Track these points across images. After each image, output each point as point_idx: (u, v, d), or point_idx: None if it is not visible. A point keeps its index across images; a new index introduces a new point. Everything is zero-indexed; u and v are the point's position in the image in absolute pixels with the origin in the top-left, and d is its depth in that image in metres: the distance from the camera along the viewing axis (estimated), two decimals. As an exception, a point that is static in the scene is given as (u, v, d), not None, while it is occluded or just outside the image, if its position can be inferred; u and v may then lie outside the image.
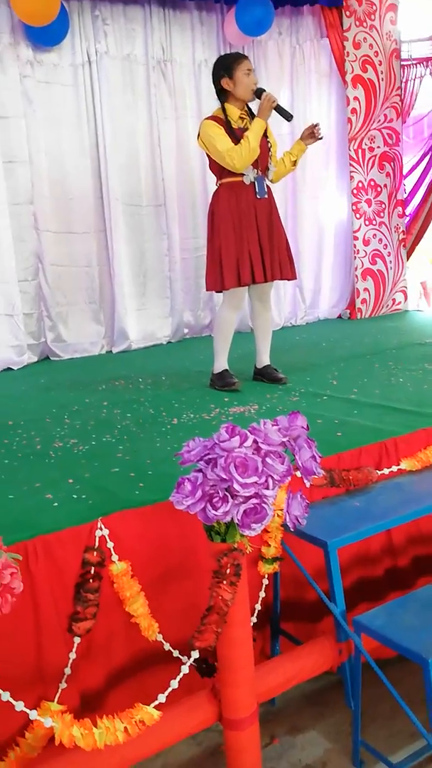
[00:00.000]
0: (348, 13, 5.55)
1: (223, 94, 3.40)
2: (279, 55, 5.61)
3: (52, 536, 1.85)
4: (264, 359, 3.70)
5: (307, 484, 1.70)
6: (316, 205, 5.86)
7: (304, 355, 4.37)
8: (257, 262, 3.38)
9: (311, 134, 3.50)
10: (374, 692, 2.06)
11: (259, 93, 3.37)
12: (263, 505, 1.62)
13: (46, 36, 4.61)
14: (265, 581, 2.13)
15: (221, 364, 3.59)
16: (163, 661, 1.98)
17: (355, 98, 5.67)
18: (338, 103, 5.82)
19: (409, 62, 5.90)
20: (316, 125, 3.52)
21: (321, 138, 3.55)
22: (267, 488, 1.62)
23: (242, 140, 3.28)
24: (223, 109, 3.38)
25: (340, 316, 6.00)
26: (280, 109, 3.38)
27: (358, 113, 5.69)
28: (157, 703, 1.67)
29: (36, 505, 2.09)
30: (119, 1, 4.93)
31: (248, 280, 3.38)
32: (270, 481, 1.63)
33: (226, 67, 3.36)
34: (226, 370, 3.58)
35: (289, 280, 3.62)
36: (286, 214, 5.70)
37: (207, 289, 3.62)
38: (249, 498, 1.61)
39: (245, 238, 3.37)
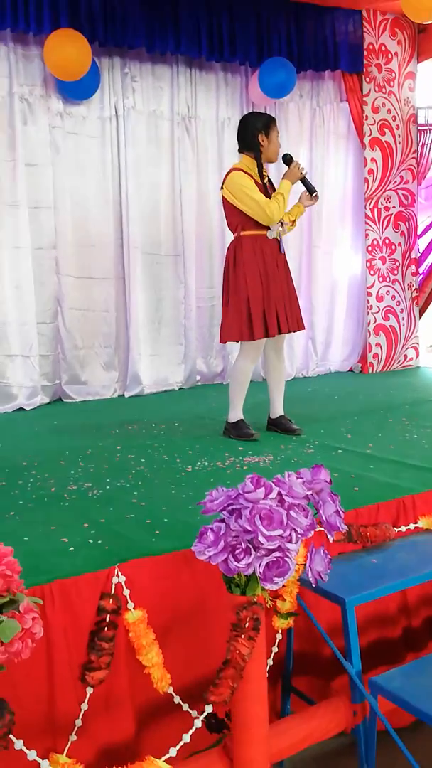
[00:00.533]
0: (368, 79, 5.75)
1: (255, 149, 3.46)
2: (299, 116, 5.78)
3: (70, 581, 1.84)
4: (278, 410, 3.71)
5: (331, 540, 1.69)
6: (331, 261, 5.96)
7: (318, 407, 4.38)
8: (282, 313, 3.46)
9: (308, 197, 3.60)
10: (387, 758, 2.01)
11: (287, 159, 3.52)
12: (286, 558, 1.61)
13: (77, 90, 4.78)
14: (279, 636, 2.09)
15: (237, 413, 3.60)
16: (171, 711, 1.94)
17: (373, 159, 5.83)
18: (355, 163, 5.98)
19: (426, 127, 6.09)
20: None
21: (317, 197, 3.61)
22: (290, 542, 1.62)
23: (277, 196, 3.41)
24: (260, 165, 3.46)
25: (351, 370, 6.04)
26: (306, 182, 3.52)
27: (375, 174, 5.84)
28: (168, 756, 1.64)
29: (52, 548, 2.08)
30: (148, 60, 5.12)
31: (275, 331, 3.44)
32: (293, 534, 1.63)
33: (264, 124, 3.45)
34: (242, 420, 3.59)
35: (300, 330, 3.68)
36: (301, 268, 5.82)
37: (224, 340, 3.62)
38: (272, 551, 1.60)
39: (272, 290, 3.45)
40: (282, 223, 3.53)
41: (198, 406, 4.57)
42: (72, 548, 2.07)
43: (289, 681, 2.18)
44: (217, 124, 5.43)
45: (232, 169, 3.50)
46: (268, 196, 3.44)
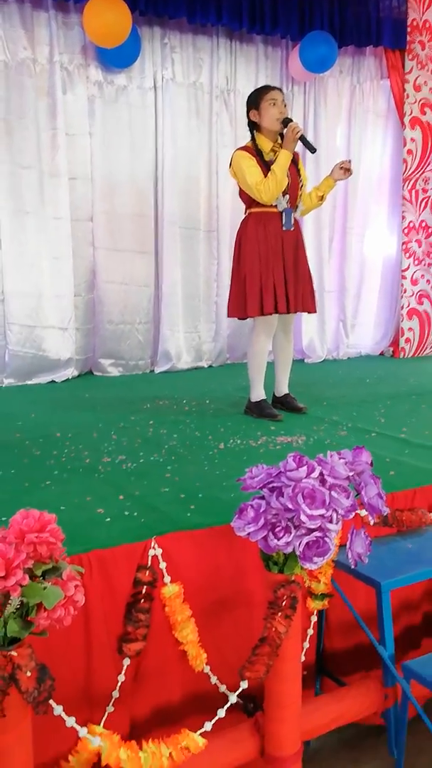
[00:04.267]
0: (410, 56, 5.61)
1: (254, 127, 3.43)
2: (338, 93, 5.67)
3: (107, 552, 1.85)
4: (283, 388, 3.71)
5: (372, 522, 1.68)
6: (365, 242, 5.88)
7: (349, 389, 4.34)
8: (281, 292, 3.39)
9: (342, 169, 3.47)
10: (416, 742, 2.01)
11: (285, 122, 3.34)
12: (326, 539, 1.60)
13: (117, 58, 4.72)
14: (314, 618, 2.09)
15: (258, 392, 3.58)
16: (208, 689, 1.95)
17: (412, 139, 5.71)
18: (394, 142, 5.87)
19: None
20: (348, 161, 3.52)
21: (351, 173, 3.50)
22: (331, 522, 1.61)
23: (269, 173, 3.29)
24: (254, 140, 3.40)
25: (382, 353, 5.98)
26: (304, 140, 3.34)
27: (414, 155, 5.72)
28: (202, 731, 1.65)
29: (88, 518, 2.09)
30: (189, 31, 5.05)
31: (271, 309, 3.38)
32: (334, 515, 1.61)
33: (252, 99, 3.40)
34: (264, 400, 3.57)
35: (309, 312, 3.62)
36: (333, 248, 5.74)
37: (228, 316, 3.62)
38: (313, 530, 1.59)
39: (270, 268, 3.38)
40: (297, 202, 3.45)
41: (228, 384, 4.55)
42: (108, 519, 2.07)
43: (321, 662, 2.18)
44: (256, 99, 5.34)
45: (237, 149, 3.45)
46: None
